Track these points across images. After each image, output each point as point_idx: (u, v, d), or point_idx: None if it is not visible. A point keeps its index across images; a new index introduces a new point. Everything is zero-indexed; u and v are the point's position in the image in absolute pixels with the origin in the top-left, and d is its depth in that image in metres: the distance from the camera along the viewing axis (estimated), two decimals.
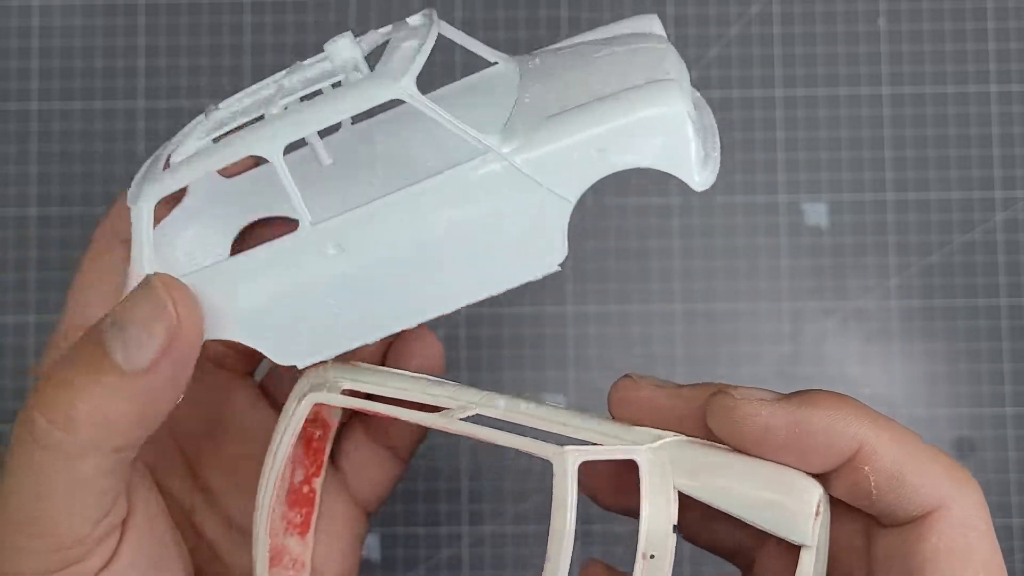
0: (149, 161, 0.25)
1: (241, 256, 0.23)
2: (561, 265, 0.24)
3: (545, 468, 0.47)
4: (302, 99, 0.24)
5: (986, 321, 0.47)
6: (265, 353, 0.23)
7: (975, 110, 0.48)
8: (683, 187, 0.48)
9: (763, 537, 0.25)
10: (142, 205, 0.23)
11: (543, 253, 0.23)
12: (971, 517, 0.23)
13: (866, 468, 0.22)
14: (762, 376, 0.47)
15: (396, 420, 0.26)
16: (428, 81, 0.24)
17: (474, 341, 0.47)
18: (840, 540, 0.24)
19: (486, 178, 0.22)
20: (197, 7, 0.48)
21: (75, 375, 0.22)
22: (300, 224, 0.22)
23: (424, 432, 0.31)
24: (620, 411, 0.25)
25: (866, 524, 0.24)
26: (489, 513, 0.46)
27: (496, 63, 0.26)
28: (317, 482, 0.29)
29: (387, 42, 0.24)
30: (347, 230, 0.22)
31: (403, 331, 0.24)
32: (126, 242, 0.26)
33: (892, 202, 0.47)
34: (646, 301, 0.47)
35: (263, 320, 0.23)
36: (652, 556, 0.23)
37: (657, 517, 0.23)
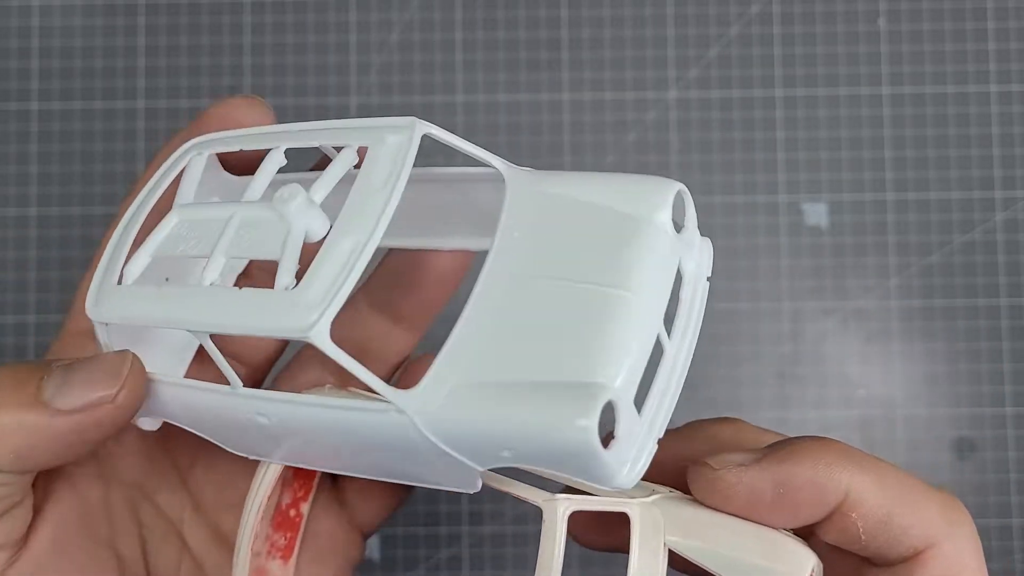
0: (107, 259, 0.25)
1: (194, 383, 0.24)
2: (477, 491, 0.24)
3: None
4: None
5: (986, 321, 0.47)
6: (219, 444, 0.25)
7: (975, 110, 0.48)
8: None
9: None
10: (95, 321, 0.24)
11: (458, 482, 0.23)
12: (962, 555, 0.22)
13: (853, 515, 0.22)
14: (762, 376, 0.47)
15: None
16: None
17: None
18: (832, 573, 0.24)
19: (392, 426, 0.21)
20: (197, 7, 0.48)
21: (3, 392, 0.23)
22: (232, 385, 0.23)
23: None
24: None
25: (858, 563, 0.24)
26: (489, 513, 0.46)
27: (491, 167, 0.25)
28: (304, 507, 0.28)
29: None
30: (270, 409, 0.23)
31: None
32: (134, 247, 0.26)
33: (892, 202, 0.47)
34: None
35: (209, 429, 0.25)
36: None
37: (645, 572, 0.23)
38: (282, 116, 0.48)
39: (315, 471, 0.28)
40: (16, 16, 0.48)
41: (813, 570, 0.22)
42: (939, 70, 0.48)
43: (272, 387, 0.30)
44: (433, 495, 0.46)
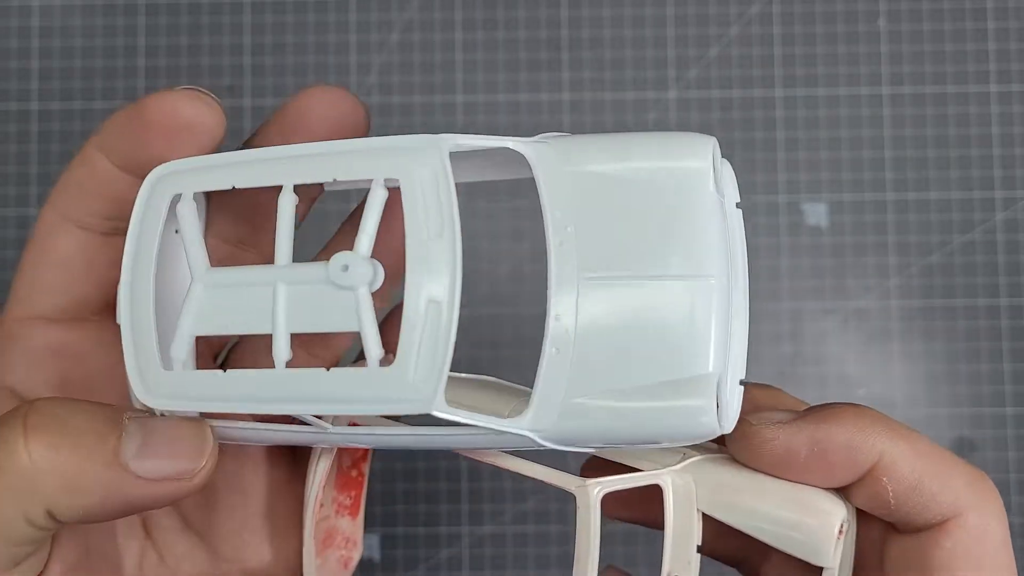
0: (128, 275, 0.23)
1: (277, 429, 0.23)
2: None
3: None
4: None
5: (986, 321, 0.47)
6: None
7: (975, 110, 0.48)
8: None
9: (769, 548, 0.25)
10: (154, 404, 0.22)
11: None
12: (988, 525, 0.23)
13: (884, 479, 0.22)
14: (762, 376, 0.47)
15: None
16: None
17: (474, 342, 0.47)
18: (858, 538, 0.24)
19: (511, 440, 0.23)
20: (197, 7, 0.48)
21: (81, 434, 0.21)
22: (313, 425, 0.23)
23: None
24: None
25: (883, 530, 0.24)
26: (489, 513, 0.46)
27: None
28: (365, 466, 0.29)
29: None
30: (367, 439, 0.23)
31: None
32: (76, 223, 0.24)
33: (892, 202, 0.47)
34: None
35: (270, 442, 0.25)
36: None
37: (681, 538, 0.23)
38: None
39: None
40: (16, 16, 0.48)
41: (844, 523, 0.23)
42: (939, 70, 0.48)
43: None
44: (433, 495, 0.46)
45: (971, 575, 0.22)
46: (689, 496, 0.23)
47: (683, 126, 0.48)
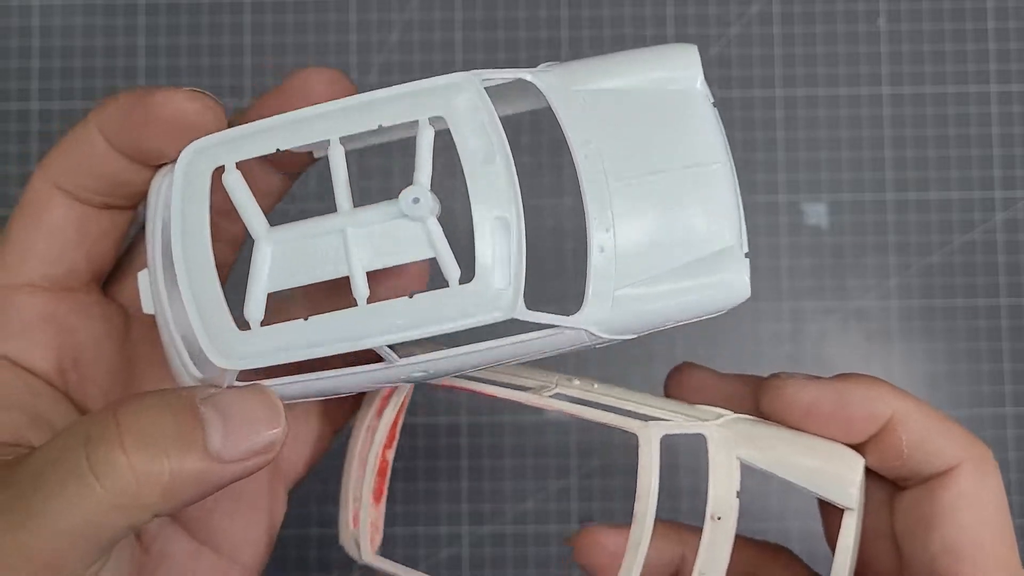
0: (180, 228, 0.23)
1: (343, 372, 0.24)
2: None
3: (544, 470, 0.47)
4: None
5: (986, 321, 0.47)
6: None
7: (975, 110, 0.48)
8: None
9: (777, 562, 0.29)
10: (230, 374, 0.23)
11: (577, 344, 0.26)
12: (986, 473, 0.25)
13: (899, 431, 0.25)
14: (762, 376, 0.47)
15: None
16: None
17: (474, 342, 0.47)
18: (866, 499, 0.27)
19: (570, 338, 0.25)
20: (197, 7, 0.48)
21: (166, 439, 0.20)
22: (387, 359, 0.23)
23: (353, 410, 0.31)
24: (679, 393, 0.30)
25: (889, 488, 0.27)
26: (489, 513, 0.47)
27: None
28: (390, 453, 0.31)
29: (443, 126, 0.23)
30: (434, 365, 0.24)
31: None
32: (68, 193, 0.24)
33: (892, 202, 0.47)
34: None
35: (319, 394, 0.25)
36: (719, 518, 0.26)
37: (723, 484, 0.26)
38: None
39: (396, 421, 0.30)
40: (16, 15, 0.48)
41: (863, 468, 0.26)
42: (939, 70, 0.48)
43: None
44: (433, 494, 0.46)
45: (974, 512, 0.25)
46: (729, 447, 0.26)
47: None
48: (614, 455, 0.47)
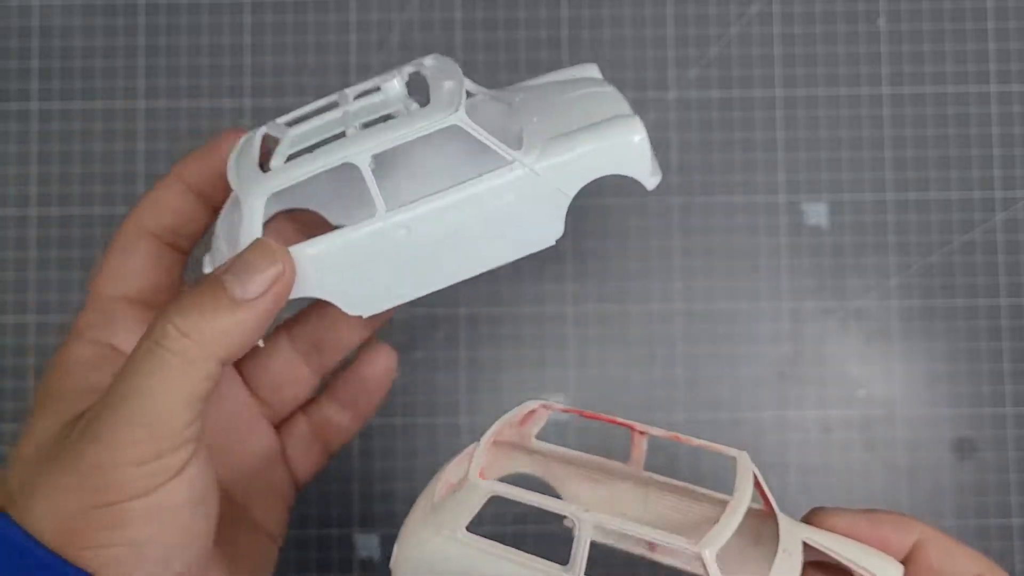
0: (235, 156, 0.32)
1: (325, 237, 0.30)
2: (558, 241, 0.32)
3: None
4: (366, 124, 0.31)
5: (986, 321, 0.47)
6: (338, 305, 0.31)
7: (975, 110, 0.48)
8: (683, 188, 0.48)
9: None
10: (255, 200, 0.30)
11: (547, 231, 0.32)
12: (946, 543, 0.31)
13: (928, 548, 0.31)
14: (762, 376, 0.47)
15: (337, 426, 0.37)
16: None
17: (474, 341, 0.47)
18: None
19: (515, 180, 0.31)
20: (197, 7, 0.48)
21: (202, 301, 0.28)
22: (377, 213, 0.30)
23: (350, 438, 0.39)
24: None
25: None
26: (489, 515, 0.46)
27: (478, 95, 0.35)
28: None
29: (416, 73, 0.33)
30: (413, 217, 0.30)
31: (366, 344, 0.37)
32: (151, 233, 0.33)
33: (892, 202, 0.47)
34: (646, 301, 0.47)
35: (337, 283, 0.31)
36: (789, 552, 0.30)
37: (786, 566, 0.30)
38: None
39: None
40: (16, 16, 0.48)
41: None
42: (939, 70, 0.48)
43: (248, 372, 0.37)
44: None
45: None
46: (795, 529, 0.32)
47: (683, 126, 0.48)
48: (614, 455, 0.47)
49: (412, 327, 0.47)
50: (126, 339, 0.31)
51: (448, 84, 0.31)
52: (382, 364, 0.37)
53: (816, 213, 0.47)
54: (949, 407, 0.47)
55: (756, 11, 0.48)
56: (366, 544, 0.46)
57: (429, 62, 0.33)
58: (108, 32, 0.48)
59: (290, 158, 0.31)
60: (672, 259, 0.47)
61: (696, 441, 0.32)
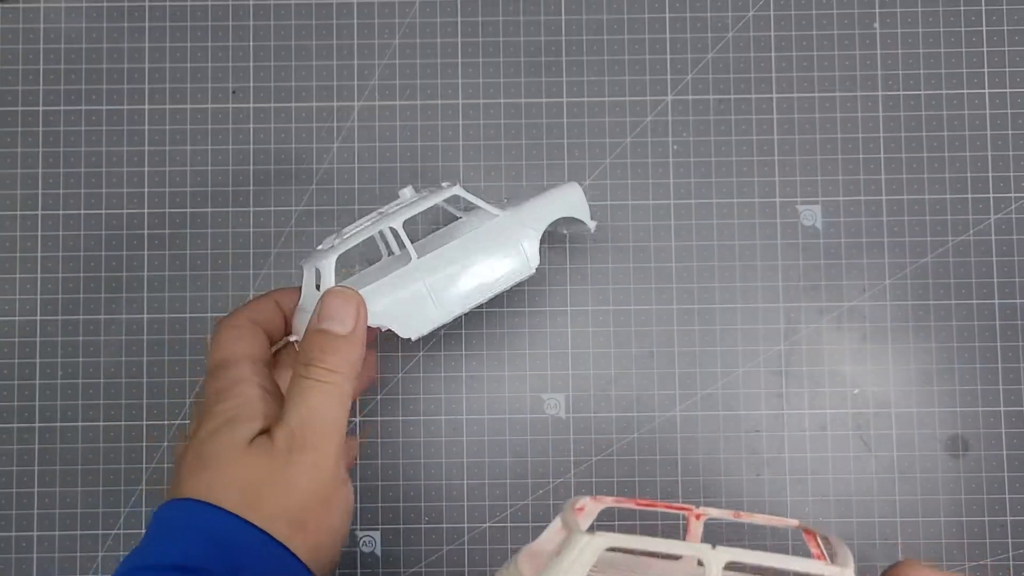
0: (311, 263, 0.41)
1: (376, 283, 0.39)
2: (537, 270, 0.41)
3: (543, 468, 0.47)
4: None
5: (980, 321, 0.47)
6: (396, 331, 0.39)
7: (969, 113, 0.48)
8: (680, 190, 0.48)
9: None
10: (328, 262, 0.39)
11: (529, 262, 0.41)
12: None
13: None
14: (758, 375, 0.47)
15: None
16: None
17: (475, 341, 0.47)
18: None
19: (498, 223, 0.40)
20: (201, 11, 0.48)
21: (324, 346, 0.37)
22: (412, 262, 0.40)
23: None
24: None
25: None
26: (489, 510, 0.47)
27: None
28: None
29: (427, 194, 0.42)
30: (433, 256, 0.40)
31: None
32: (255, 321, 0.39)
33: (887, 203, 0.48)
34: (644, 301, 0.48)
35: (391, 313, 0.39)
36: None
37: None
38: (285, 118, 0.48)
39: None
40: (22, 19, 0.49)
41: None
42: (934, 73, 0.48)
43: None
44: (435, 493, 0.47)
45: None
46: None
47: (680, 128, 0.48)
48: (611, 453, 0.47)
49: None
50: (255, 382, 0.38)
51: (445, 184, 0.42)
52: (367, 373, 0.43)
53: (812, 214, 0.48)
54: (943, 406, 0.47)
55: (752, 15, 0.48)
56: (368, 540, 0.46)
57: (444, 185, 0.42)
58: (113, 36, 0.48)
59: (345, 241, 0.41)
60: (669, 260, 0.48)
61: (760, 517, 0.34)
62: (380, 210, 0.42)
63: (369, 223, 0.41)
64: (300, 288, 0.41)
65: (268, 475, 0.35)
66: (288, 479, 0.35)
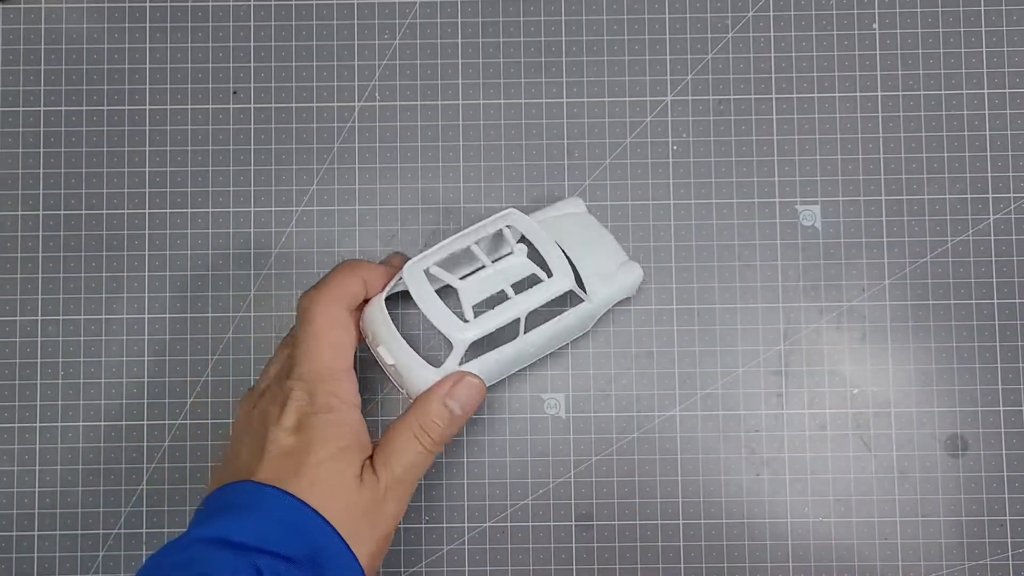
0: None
1: (487, 356, 0.43)
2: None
3: (543, 468, 0.48)
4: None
5: (979, 321, 0.47)
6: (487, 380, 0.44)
7: (968, 113, 0.48)
8: (680, 191, 0.48)
9: None
10: (418, 270, 0.43)
11: (586, 328, 0.46)
12: None
13: None
14: (758, 375, 0.47)
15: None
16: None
17: (474, 341, 0.47)
18: None
19: (587, 310, 0.44)
20: (202, 12, 0.48)
21: (447, 420, 0.41)
22: (520, 340, 0.43)
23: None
24: None
25: None
26: (489, 510, 0.47)
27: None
28: None
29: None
30: (535, 339, 0.43)
31: None
32: (342, 304, 0.42)
33: (886, 203, 0.48)
34: (644, 301, 0.48)
35: (486, 373, 0.43)
36: None
37: None
38: (286, 119, 0.48)
39: None
40: (23, 20, 0.49)
41: None
42: (933, 73, 0.48)
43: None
44: (435, 493, 0.47)
45: None
46: None
47: (679, 129, 0.48)
48: (611, 453, 0.47)
49: None
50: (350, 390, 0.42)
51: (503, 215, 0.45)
52: None
53: (811, 214, 0.48)
54: (943, 406, 0.47)
55: (752, 15, 0.48)
56: None
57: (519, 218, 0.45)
58: (114, 36, 0.48)
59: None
60: (669, 259, 0.48)
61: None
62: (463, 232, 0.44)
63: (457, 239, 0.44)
64: (383, 269, 0.43)
65: (370, 506, 0.39)
66: (381, 513, 0.40)
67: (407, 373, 0.42)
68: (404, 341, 0.42)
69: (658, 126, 0.48)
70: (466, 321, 0.42)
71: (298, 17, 0.49)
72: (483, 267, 0.43)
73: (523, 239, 0.44)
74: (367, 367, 0.47)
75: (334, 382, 0.40)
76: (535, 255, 0.43)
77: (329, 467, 0.39)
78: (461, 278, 0.44)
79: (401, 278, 0.43)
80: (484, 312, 0.42)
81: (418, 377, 0.42)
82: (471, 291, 0.43)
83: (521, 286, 0.43)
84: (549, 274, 0.43)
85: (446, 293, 0.45)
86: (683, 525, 0.46)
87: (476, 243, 0.44)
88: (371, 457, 0.40)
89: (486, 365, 0.43)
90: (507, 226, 0.44)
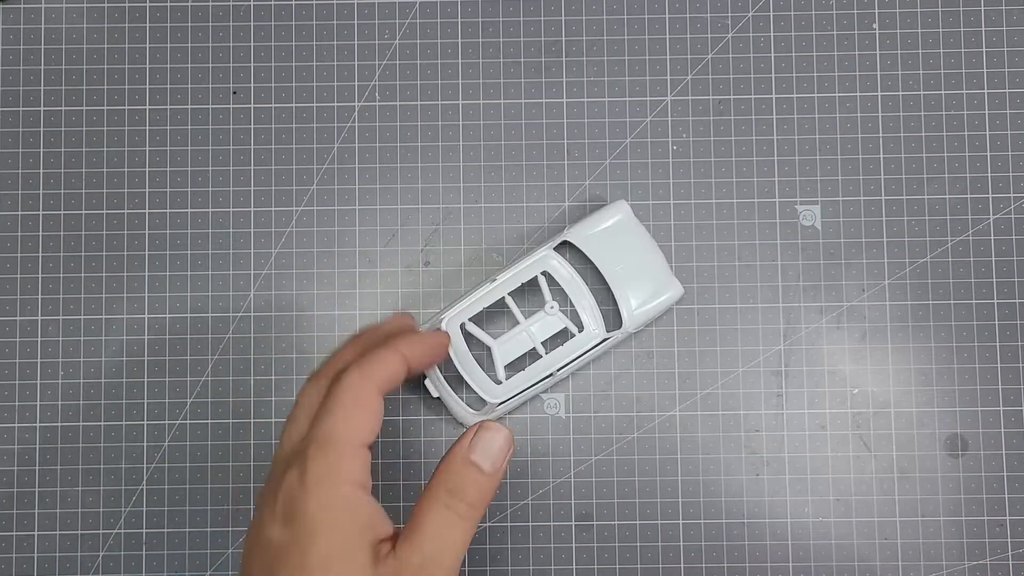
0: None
1: (517, 377, 0.45)
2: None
3: (543, 468, 0.48)
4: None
5: (979, 321, 0.47)
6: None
7: (968, 113, 0.48)
8: (680, 191, 0.48)
9: None
10: (456, 323, 0.45)
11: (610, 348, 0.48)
12: None
13: None
14: (757, 375, 0.47)
15: None
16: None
17: (474, 341, 0.47)
18: None
19: (616, 337, 0.46)
20: (202, 12, 0.49)
21: (475, 479, 0.36)
22: (551, 368, 0.45)
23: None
24: None
25: None
26: (490, 510, 0.47)
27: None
28: None
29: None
30: (561, 362, 0.45)
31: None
32: (376, 386, 0.38)
33: (886, 203, 0.48)
34: None
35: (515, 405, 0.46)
36: None
37: None
38: (286, 119, 0.48)
39: None
40: (23, 20, 0.49)
41: None
42: (933, 73, 0.48)
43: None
44: None
45: None
46: None
47: (679, 129, 0.48)
48: (611, 453, 0.47)
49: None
50: (367, 479, 0.38)
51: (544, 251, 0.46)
52: None
53: (811, 214, 0.48)
54: (942, 406, 0.47)
55: (752, 15, 0.49)
56: None
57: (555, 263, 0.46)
58: (114, 36, 0.48)
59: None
60: (669, 259, 0.48)
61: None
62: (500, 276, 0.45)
63: (493, 287, 0.45)
64: (424, 337, 0.41)
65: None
66: None
67: (453, 407, 0.46)
68: (445, 382, 0.45)
69: (658, 126, 0.48)
70: (499, 383, 0.45)
71: (298, 17, 0.49)
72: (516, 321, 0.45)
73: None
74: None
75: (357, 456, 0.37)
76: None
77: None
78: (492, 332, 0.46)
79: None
80: (515, 374, 0.45)
81: (459, 415, 0.45)
82: (504, 351, 0.45)
83: (555, 338, 0.46)
84: (580, 327, 0.45)
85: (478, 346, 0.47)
86: (683, 525, 0.46)
87: (509, 292, 0.45)
88: (392, 538, 0.36)
89: (512, 405, 0.45)
90: (543, 272, 0.45)
